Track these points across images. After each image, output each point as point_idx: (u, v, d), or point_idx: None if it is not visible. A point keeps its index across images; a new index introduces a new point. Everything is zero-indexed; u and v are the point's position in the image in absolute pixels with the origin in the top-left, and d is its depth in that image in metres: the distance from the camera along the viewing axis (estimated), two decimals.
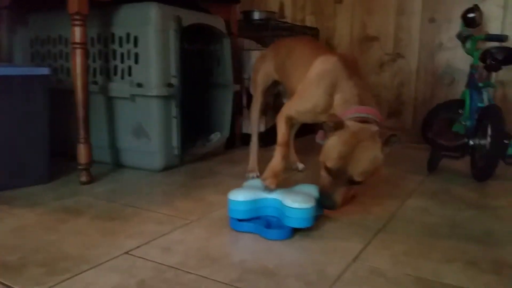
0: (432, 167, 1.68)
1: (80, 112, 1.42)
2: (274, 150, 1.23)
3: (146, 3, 1.55)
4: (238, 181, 1.46)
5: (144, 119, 1.59)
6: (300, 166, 1.68)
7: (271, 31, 2.13)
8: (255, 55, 2.10)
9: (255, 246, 0.96)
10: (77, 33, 1.38)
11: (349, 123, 1.03)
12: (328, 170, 1.02)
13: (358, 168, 0.99)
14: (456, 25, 2.11)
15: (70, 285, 0.78)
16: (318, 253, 0.93)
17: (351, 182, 1.01)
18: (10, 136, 1.33)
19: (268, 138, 1.97)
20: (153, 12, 1.53)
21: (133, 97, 1.58)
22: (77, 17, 1.37)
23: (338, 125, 1.02)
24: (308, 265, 0.87)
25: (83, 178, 1.43)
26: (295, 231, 1.04)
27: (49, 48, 1.80)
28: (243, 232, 1.04)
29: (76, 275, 0.82)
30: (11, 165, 1.35)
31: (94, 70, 1.68)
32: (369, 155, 0.99)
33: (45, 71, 1.38)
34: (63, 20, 1.68)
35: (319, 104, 1.16)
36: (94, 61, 1.68)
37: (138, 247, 0.95)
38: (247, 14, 2.31)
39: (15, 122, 1.34)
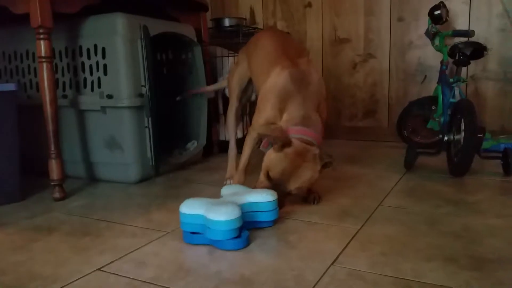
0: (409, 165, 1.69)
1: (50, 127, 1.39)
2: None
3: (112, 14, 1.53)
4: (216, 188, 1.45)
5: (116, 131, 1.56)
6: None
7: (242, 37, 2.13)
8: (227, 62, 2.09)
9: (231, 254, 0.95)
10: (42, 47, 1.35)
11: (295, 143, 1.16)
12: (269, 178, 1.16)
13: (296, 183, 1.15)
14: (424, 23, 2.15)
15: None
16: (296, 258, 0.92)
17: (289, 193, 1.17)
18: None
19: None
20: (120, 22, 1.51)
21: (104, 109, 1.55)
22: (41, 30, 1.34)
23: (286, 143, 1.15)
24: (286, 271, 0.86)
25: (56, 194, 1.39)
26: (267, 238, 1.02)
27: (17, 64, 1.76)
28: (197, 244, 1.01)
29: None
30: None
31: (64, 83, 1.64)
32: (308, 175, 1.16)
33: (11, 86, 1.34)
34: (29, 34, 1.64)
35: (270, 118, 1.26)
36: (63, 74, 1.64)
37: (111, 262, 0.92)
38: (218, 21, 2.31)
39: None
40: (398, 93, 2.36)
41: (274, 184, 1.15)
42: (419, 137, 2.19)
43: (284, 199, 1.16)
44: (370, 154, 2.05)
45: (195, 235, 1.01)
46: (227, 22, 2.30)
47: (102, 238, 1.06)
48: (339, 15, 2.43)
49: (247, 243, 0.99)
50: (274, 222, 1.11)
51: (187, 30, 1.87)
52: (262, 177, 1.18)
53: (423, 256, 0.91)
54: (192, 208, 1.00)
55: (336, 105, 2.52)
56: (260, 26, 2.62)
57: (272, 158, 1.16)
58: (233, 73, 1.58)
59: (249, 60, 1.47)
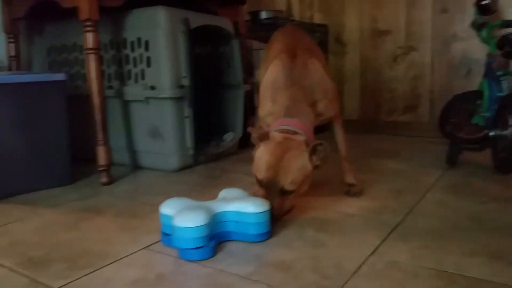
0: (451, 161, 1.65)
1: (98, 116, 1.45)
2: None
3: (154, 7, 1.57)
4: (252, 179, 1.48)
5: (158, 121, 1.61)
6: None
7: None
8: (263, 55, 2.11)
9: (270, 241, 0.97)
10: (89, 39, 1.41)
11: (274, 134, 1.04)
12: (259, 182, 1.03)
13: (287, 177, 1.00)
14: (470, 15, 2.08)
15: (92, 279, 0.80)
16: (334, 247, 0.93)
17: (283, 192, 1.01)
18: (32, 140, 1.37)
19: None
20: (162, 15, 1.55)
21: (147, 100, 1.61)
22: (88, 23, 1.40)
23: (263, 137, 1.04)
24: (325, 259, 0.87)
25: (103, 179, 1.46)
26: (306, 227, 1.04)
27: (65, 56, 1.84)
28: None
29: (97, 269, 0.84)
30: (35, 168, 1.39)
31: (109, 75, 1.71)
32: (297, 164, 1.01)
33: (61, 76, 1.41)
34: (76, 27, 1.72)
35: (267, 112, 1.18)
36: (108, 66, 1.71)
37: (156, 242, 0.96)
38: (255, 14, 2.32)
39: (37, 126, 1.38)
40: (441, 87, 2.30)
41: (265, 187, 1.01)
42: (462, 132, 2.12)
43: (282, 204, 1.02)
44: (410, 150, 2.02)
45: (167, 237, 0.94)
46: (264, 15, 2.31)
47: (148, 220, 1.11)
48: (379, 6, 2.39)
49: (212, 254, 0.89)
50: (265, 236, 0.96)
51: (225, 23, 1.89)
52: (255, 185, 1.05)
53: (467, 251, 0.90)
54: (168, 208, 0.94)
55: (375, 99, 2.48)
56: (297, 19, 2.61)
57: (254, 159, 1.05)
58: (261, 69, 1.59)
59: (265, 57, 1.47)
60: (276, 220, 1.01)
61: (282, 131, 1.06)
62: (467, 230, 1.01)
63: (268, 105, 1.17)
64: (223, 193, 1.04)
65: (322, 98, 1.19)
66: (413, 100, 2.38)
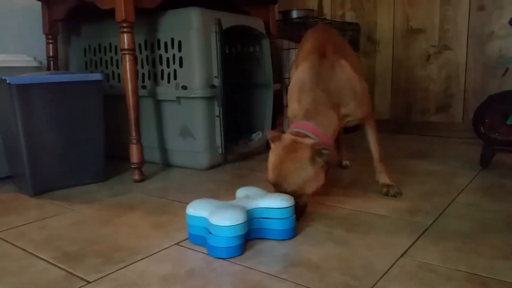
0: (485, 162, 1.61)
1: (132, 115, 1.49)
2: None
3: (188, 8, 1.60)
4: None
5: (189, 120, 1.64)
6: (345, 162, 1.67)
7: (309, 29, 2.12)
8: (294, 54, 2.11)
9: (298, 240, 0.97)
10: (125, 40, 1.45)
11: (285, 137, 1.06)
12: (269, 182, 1.06)
13: (286, 178, 1.01)
14: (509, 12, 2.01)
15: (125, 273, 0.83)
16: (364, 248, 0.92)
17: (287, 193, 1.01)
18: (70, 137, 1.43)
19: None
20: (195, 16, 1.58)
21: (178, 99, 1.64)
22: (124, 24, 1.44)
23: (275, 139, 1.06)
24: (354, 260, 0.87)
25: (136, 176, 1.50)
26: (335, 227, 1.03)
27: (101, 56, 1.91)
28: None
29: (130, 264, 0.87)
30: (71, 165, 1.44)
31: (143, 75, 1.76)
32: (295, 166, 1.01)
33: (99, 76, 1.46)
34: (112, 28, 1.77)
35: (292, 114, 1.18)
36: (142, 66, 1.76)
37: (186, 239, 0.98)
38: (286, 13, 2.33)
39: (74, 124, 1.43)
40: (475, 87, 2.24)
41: (274, 188, 1.04)
42: (496, 133, 2.06)
43: (301, 208, 1.05)
44: (442, 150, 1.97)
45: (198, 237, 0.95)
46: (295, 14, 2.31)
47: (179, 216, 1.14)
48: (412, 4, 2.35)
49: (241, 252, 0.90)
50: (290, 233, 0.97)
51: (256, 23, 1.91)
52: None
53: (501, 255, 0.87)
54: (197, 209, 0.94)
55: (407, 99, 2.44)
56: (328, 18, 2.60)
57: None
58: (291, 69, 1.60)
59: (296, 56, 1.47)
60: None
61: (294, 133, 1.07)
62: (500, 233, 0.99)
63: (294, 106, 1.17)
64: (243, 191, 1.06)
65: (350, 100, 1.18)
66: (446, 100, 2.33)
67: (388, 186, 1.29)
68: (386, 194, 1.28)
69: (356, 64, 1.33)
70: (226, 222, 0.87)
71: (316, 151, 1.01)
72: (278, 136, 1.06)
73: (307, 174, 1.02)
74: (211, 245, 0.89)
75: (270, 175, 1.04)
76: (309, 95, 1.13)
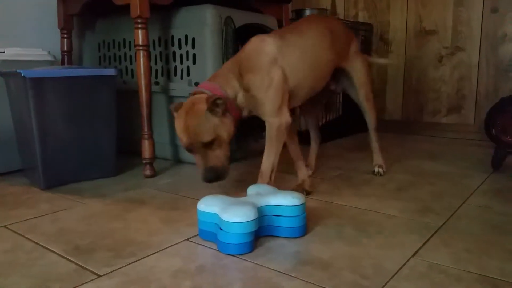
0: (496, 164, 1.60)
1: (144, 110, 1.50)
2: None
3: (202, 6, 1.61)
4: (290, 176, 1.48)
5: None
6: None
7: None
8: None
9: (308, 239, 0.97)
10: (140, 36, 1.46)
11: (185, 101, 1.10)
12: (187, 150, 1.09)
13: (196, 132, 1.05)
14: None
15: (136, 267, 0.84)
16: (374, 248, 0.92)
17: (205, 146, 1.06)
18: (82, 131, 1.44)
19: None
20: (209, 13, 1.58)
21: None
22: (139, 20, 1.45)
23: (177, 108, 1.11)
24: (364, 259, 0.86)
25: (147, 172, 1.51)
26: (345, 226, 1.03)
27: (115, 52, 1.92)
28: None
29: (141, 258, 0.87)
30: (83, 159, 1.46)
31: (156, 71, 1.77)
32: (198, 118, 1.05)
33: (112, 71, 1.47)
34: (127, 24, 1.78)
35: None
36: (155, 62, 1.76)
37: (197, 235, 0.99)
38: (299, 12, 2.32)
39: (86, 118, 1.44)
40: (488, 89, 2.22)
41: (192, 151, 1.08)
42: (508, 136, 2.04)
43: (214, 156, 1.07)
44: (453, 152, 1.96)
45: (210, 234, 0.95)
46: (308, 13, 2.31)
47: (189, 212, 1.14)
48: (425, 5, 2.33)
49: (252, 249, 0.91)
50: (300, 232, 0.97)
51: (270, 21, 1.91)
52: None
53: (511, 256, 0.87)
54: (208, 205, 0.95)
55: (418, 99, 2.43)
56: (341, 17, 2.59)
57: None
58: None
59: None
60: (221, 175, 1.09)
61: (192, 94, 1.13)
62: (511, 235, 0.98)
63: None
64: (254, 188, 1.06)
65: (250, 71, 1.15)
66: (458, 101, 2.31)
67: (379, 166, 1.54)
68: (374, 173, 1.52)
69: (309, 56, 1.25)
70: (237, 219, 0.88)
71: (211, 103, 1.05)
72: (179, 104, 1.11)
73: (213, 122, 1.06)
74: (221, 241, 0.89)
75: (182, 138, 1.07)
76: (225, 64, 1.21)
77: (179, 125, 1.08)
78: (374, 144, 1.57)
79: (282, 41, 1.21)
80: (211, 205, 0.94)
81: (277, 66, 1.17)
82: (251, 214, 0.89)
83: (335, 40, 1.33)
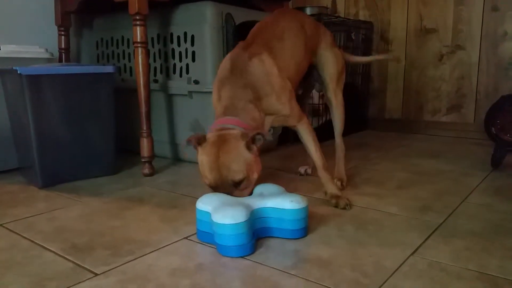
0: (496, 163, 1.59)
1: (143, 108, 1.49)
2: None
3: (202, 3, 1.60)
4: (291, 175, 1.48)
5: (200, 115, 1.64)
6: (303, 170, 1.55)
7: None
8: None
9: (308, 237, 0.97)
10: (138, 33, 1.45)
11: (210, 136, 1.00)
12: (211, 188, 0.99)
13: (230, 169, 0.96)
14: None
15: (134, 265, 0.83)
16: (374, 245, 0.91)
17: (235, 185, 0.97)
18: (79, 130, 1.43)
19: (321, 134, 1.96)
20: (209, 10, 1.58)
21: (190, 94, 1.64)
22: (137, 17, 1.44)
23: (200, 141, 1.01)
24: (364, 257, 0.86)
25: (146, 170, 1.50)
26: (346, 224, 1.03)
27: (113, 49, 1.91)
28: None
29: (139, 257, 0.87)
30: (81, 158, 1.45)
31: (155, 68, 1.76)
32: (234, 154, 0.97)
33: (110, 69, 1.46)
34: (125, 21, 1.78)
35: (216, 110, 1.12)
36: (154, 60, 1.76)
37: (196, 233, 0.98)
38: (299, 10, 2.32)
39: (84, 116, 1.43)
40: (487, 88, 2.21)
41: (219, 190, 0.98)
42: (508, 134, 2.04)
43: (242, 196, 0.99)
44: (453, 150, 1.95)
45: (206, 234, 0.93)
46: (308, 11, 2.30)
47: (188, 211, 1.14)
48: (426, 4, 2.32)
49: (252, 251, 0.89)
50: (300, 233, 0.96)
51: None
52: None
53: (511, 254, 0.86)
54: (204, 204, 0.92)
55: (419, 98, 2.42)
56: (342, 15, 2.58)
57: (199, 167, 1.02)
58: None
59: None
60: None
61: (218, 130, 1.02)
62: (511, 233, 0.98)
63: (215, 103, 1.12)
64: (259, 188, 1.03)
65: (268, 95, 1.11)
66: (458, 100, 2.30)
67: (337, 197, 1.18)
68: (336, 206, 1.17)
69: (289, 57, 1.21)
70: (227, 220, 0.85)
71: (250, 138, 0.97)
72: (203, 137, 1.01)
73: (248, 159, 0.98)
74: (217, 243, 0.88)
75: (209, 176, 0.98)
76: (226, 92, 1.09)
77: (208, 161, 0.97)
78: (339, 153, 1.41)
79: (273, 54, 1.15)
80: (206, 204, 0.92)
81: (285, 78, 1.15)
82: (240, 216, 0.86)
83: (307, 36, 1.29)
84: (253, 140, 0.98)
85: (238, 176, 0.97)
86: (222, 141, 0.98)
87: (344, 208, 1.15)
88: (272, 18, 1.28)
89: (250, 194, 1.01)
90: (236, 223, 0.85)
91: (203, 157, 0.99)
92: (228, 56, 1.15)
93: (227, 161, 0.96)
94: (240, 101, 1.07)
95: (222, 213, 0.87)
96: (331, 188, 1.20)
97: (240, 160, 0.97)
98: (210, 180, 0.98)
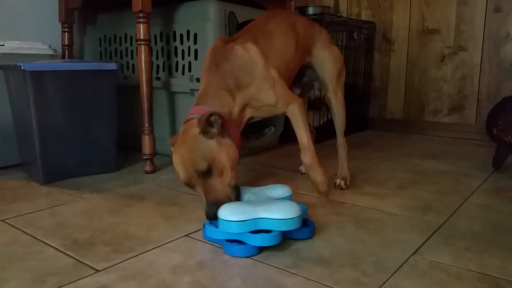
0: (497, 164, 1.59)
1: (145, 105, 1.49)
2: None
3: (205, 1, 1.60)
4: (291, 174, 1.48)
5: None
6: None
7: (325, 26, 2.11)
8: None
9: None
10: (141, 30, 1.45)
11: (181, 131, 0.98)
12: (187, 185, 0.96)
13: (192, 161, 0.92)
14: None
15: (135, 262, 0.83)
16: (375, 245, 0.92)
17: (204, 175, 0.93)
18: (82, 126, 1.43)
19: (321, 134, 1.97)
20: (211, 9, 1.58)
21: (192, 92, 1.64)
22: (141, 14, 1.44)
23: (173, 141, 1.00)
24: (365, 256, 0.86)
25: (147, 168, 1.50)
26: (346, 223, 1.03)
27: (116, 46, 1.91)
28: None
29: (140, 253, 0.87)
30: (83, 154, 1.45)
31: (158, 66, 1.76)
32: (191, 146, 0.93)
33: (113, 66, 1.46)
34: (128, 19, 1.78)
35: None
36: (157, 58, 1.76)
37: (197, 230, 0.99)
38: (302, 9, 2.32)
39: (86, 113, 1.44)
40: (489, 89, 2.21)
41: (194, 185, 0.95)
42: (510, 136, 2.03)
43: (217, 186, 0.93)
44: (454, 151, 1.95)
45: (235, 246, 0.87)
46: (310, 11, 2.30)
47: (189, 208, 1.14)
48: (429, 4, 2.32)
49: (258, 252, 0.87)
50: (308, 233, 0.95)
51: None
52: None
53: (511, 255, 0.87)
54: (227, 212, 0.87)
55: (420, 99, 2.42)
56: (344, 15, 2.58)
57: None
58: None
59: None
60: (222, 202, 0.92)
61: (184, 122, 1.01)
62: None
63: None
64: (246, 194, 0.99)
65: (249, 84, 1.07)
66: (460, 101, 2.30)
67: (318, 184, 1.11)
68: (319, 193, 1.12)
69: (282, 52, 1.19)
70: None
71: (203, 122, 0.92)
72: (176, 137, 1.00)
73: (207, 145, 0.93)
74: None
75: (179, 174, 0.96)
76: (204, 79, 1.07)
77: (174, 159, 0.96)
78: (341, 153, 1.39)
79: (260, 47, 1.12)
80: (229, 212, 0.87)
81: (269, 66, 1.11)
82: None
83: (300, 35, 1.26)
84: (209, 123, 0.93)
85: (200, 166, 0.92)
86: (182, 134, 0.96)
87: (326, 195, 1.11)
88: (261, 18, 1.26)
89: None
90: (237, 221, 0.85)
91: (173, 156, 0.97)
92: (210, 47, 1.13)
93: (185, 154, 0.93)
94: (213, 89, 1.04)
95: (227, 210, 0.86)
96: (315, 176, 1.11)
97: (198, 149, 0.93)
98: (181, 177, 0.96)
